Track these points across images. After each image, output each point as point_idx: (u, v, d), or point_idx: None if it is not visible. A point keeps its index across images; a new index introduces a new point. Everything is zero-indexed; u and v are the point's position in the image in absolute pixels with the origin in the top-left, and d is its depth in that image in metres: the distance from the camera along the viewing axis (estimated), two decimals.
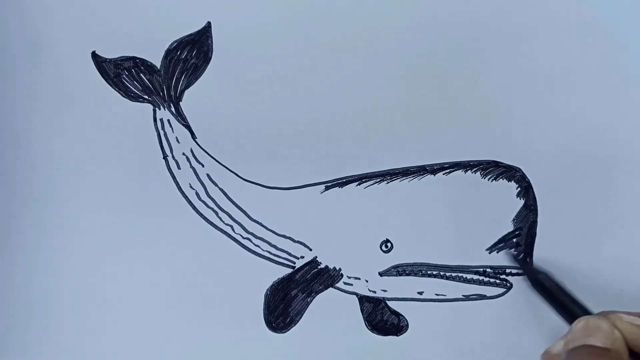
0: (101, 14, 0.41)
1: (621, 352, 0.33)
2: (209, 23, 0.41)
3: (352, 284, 0.42)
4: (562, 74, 0.41)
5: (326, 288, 0.42)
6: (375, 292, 0.42)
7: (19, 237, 0.42)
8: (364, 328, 0.42)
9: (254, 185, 0.42)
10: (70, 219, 0.42)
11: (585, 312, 0.37)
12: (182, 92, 0.42)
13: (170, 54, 0.41)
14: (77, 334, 0.43)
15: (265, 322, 0.42)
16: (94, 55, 0.41)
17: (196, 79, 0.41)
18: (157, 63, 0.41)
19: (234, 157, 0.42)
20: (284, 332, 0.42)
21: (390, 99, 0.41)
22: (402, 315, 0.42)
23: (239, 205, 0.42)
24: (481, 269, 0.42)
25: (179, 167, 0.42)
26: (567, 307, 0.38)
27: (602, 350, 0.33)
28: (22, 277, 0.43)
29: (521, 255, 0.41)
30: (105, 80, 0.42)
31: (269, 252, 0.42)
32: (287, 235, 0.42)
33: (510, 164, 0.41)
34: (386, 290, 0.42)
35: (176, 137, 0.42)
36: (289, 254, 0.42)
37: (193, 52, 0.41)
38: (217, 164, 0.42)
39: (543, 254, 0.41)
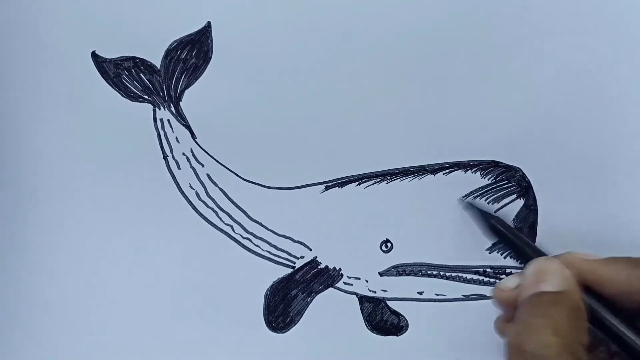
0: (101, 14, 0.41)
1: (573, 292, 0.33)
2: (209, 23, 0.41)
3: (352, 284, 0.42)
4: (562, 74, 0.41)
5: (326, 288, 0.43)
6: (375, 292, 0.42)
7: (19, 237, 0.42)
8: (364, 328, 0.42)
9: (254, 185, 0.42)
10: (70, 218, 0.42)
11: (539, 254, 0.37)
12: (182, 92, 0.42)
13: (170, 54, 0.41)
14: (77, 333, 0.43)
15: (265, 322, 0.42)
16: (94, 55, 0.41)
17: (196, 79, 0.41)
18: (157, 63, 0.41)
19: (234, 157, 0.42)
20: (284, 332, 0.42)
21: (390, 99, 0.41)
22: (402, 315, 0.42)
23: (239, 205, 0.42)
24: (481, 269, 0.42)
25: (179, 167, 0.42)
26: (522, 250, 0.37)
27: (554, 295, 0.33)
28: (22, 277, 0.43)
29: (469, 201, 0.41)
30: (105, 80, 0.42)
31: (269, 252, 0.42)
32: (287, 235, 0.42)
33: (510, 164, 0.41)
34: (386, 290, 0.42)
35: (176, 137, 0.42)
36: (289, 254, 0.42)
37: (193, 52, 0.41)
38: (217, 164, 0.42)
39: None
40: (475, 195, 0.42)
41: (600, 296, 0.34)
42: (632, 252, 0.41)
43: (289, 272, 0.43)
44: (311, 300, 0.42)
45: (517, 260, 0.38)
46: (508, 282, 0.35)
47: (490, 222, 0.39)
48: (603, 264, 0.34)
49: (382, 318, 0.42)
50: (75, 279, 0.43)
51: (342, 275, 0.42)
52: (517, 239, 0.38)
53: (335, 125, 0.41)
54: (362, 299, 0.42)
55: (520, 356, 0.31)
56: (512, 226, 0.42)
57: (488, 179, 0.42)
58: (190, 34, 0.41)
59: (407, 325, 0.42)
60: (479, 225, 0.40)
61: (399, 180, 0.42)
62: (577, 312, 0.33)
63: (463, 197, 0.41)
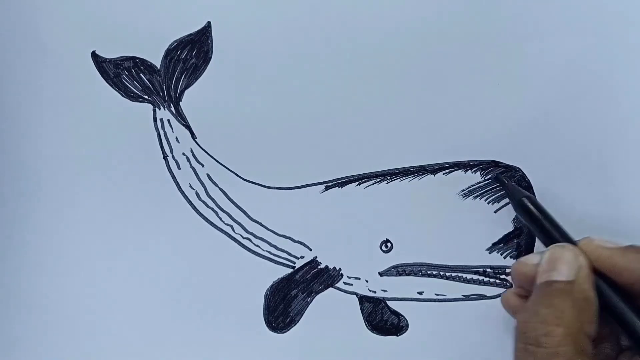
0: (101, 14, 0.41)
1: (584, 281, 0.33)
2: (209, 23, 0.41)
3: (352, 284, 0.42)
4: (562, 74, 0.41)
5: (326, 288, 0.42)
6: (375, 292, 0.42)
7: (19, 237, 0.42)
8: (364, 328, 0.42)
9: (254, 185, 0.42)
10: (70, 218, 0.42)
11: (564, 237, 0.37)
12: (182, 92, 0.42)
13: (170, 54, 0.41)
14: (76, 333, 0.43)
15: (265, 322, 0.42)
16: (94, 55, 0.41)
17: (196, 79, 0.41)
18: (157, 63, 0.41)
19: (234, 157, 0.42)
20: (284, 332, 0.42)
21: (390, 99, 0.41)
22: (402, 315, 0.42)
23: (239, 205, 0.42)
24: (481, 269, 0.42)
25: (179, 167, 0.42)
26: (549, 232, 0.37)
27: (565, 284, 0.33)
28: (22, 276, 0.43)
29: (502, 177, 0.41)
30: (105, 80, 0.42)
31: (269, 252, 0.42)
32: (287, 235, 0.42)
33: (510, 164, 0.41)
34: (386, 290, 0.42)
35: (176, 137, 0.42)
36: (289, 254, 0.42)
37: (193, 52, 0.41)
38: (217, 164, 0.42)
39: None
40: (475, 195, 0.42)
41: (616, 284, 0.34)
42: None
43: (289, 272, 0.43)
44: (311, 300, 0.42)
45: (542, 242, 0.38)
46: (531, 258, 0.36)
47: (521, 200, 0.39)
48: (620, 252, 0.34)
49: (382, 318, 0.42)
50: (75, 279, 0.43)
51: (342, 275, 0.42)
52: (545, 220, 0.38)
53: (335, 125, 0.41)
54: (362, 299, 0.42)
55: (525, 342, 0.32)
56: (513, 225, 0.42)
57: (488, 179, 0.42)
58: (190, 34, 0.41)
59: (407, 325, 0.42)
60: (510, 200, 0.40)
61: (399, 180, 0.42)
62: (584, 302, 0.33)
63: (497, 174, 0.41)
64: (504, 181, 0.41)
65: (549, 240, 0.37)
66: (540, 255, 0.35)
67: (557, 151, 0.41)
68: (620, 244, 0.35)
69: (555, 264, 0.34)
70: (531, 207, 0.38)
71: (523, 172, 0.41)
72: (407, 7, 0.41)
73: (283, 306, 0.42)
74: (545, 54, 0.41)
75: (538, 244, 0.41)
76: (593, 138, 0.41)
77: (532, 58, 0.41)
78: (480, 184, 0.41)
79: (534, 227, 0.38)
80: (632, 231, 0.41)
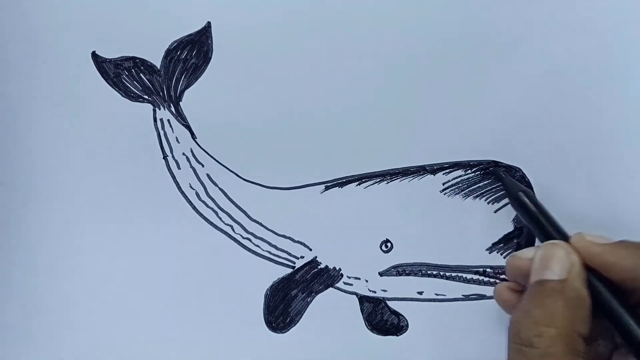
0: (101, 14, 0.41)
1: (575, 280, 0.33)
2: (209, 23, 0.41)
3: (352, 284, 0.42)
4: (562, 74, 0.41)
5: (326, 288, 0.43)
6: (375, 292, 0.42)
7: (19, 237, 0.42)
8: (364, 328, 0.42)
9: (254, 185, 0.42)
10: (70, 218, 0.42)
11: (560, 233, 0.37)
12: (182, 92, 0.42)
13: (170, 54, 0.41)
14: (76, 333, 0.43)
15: (265, 322, 0.42)
16: (94, 55, 0.41)
17: (196, 79, 0.41)
18: (157, 63, 0.41)
19: (234, 157, 0.42)
20: (284, 332, 0.42)
21: (390, 99, 0.41)
22: (402, 315, 0.42)
23: (239, 205, 0.42)
24: (481, 269, 0.42)
25: (179, 167, 0.42)
26: (544, 227, 0.37)
27: (555, 284, 0.33)
28: (22, 276, 0.43)
29: (500, 171, 0.41)
30: (105, 80, 0.42)
31: (269, 252, 0.42)
32: (287, 235, 0.42)
33: (510, 164, 0.41)
34: (386, 290, 0.42)
35: (176, 137, 0.42)
36: (289, 254, 0.42)
37: (193, 52, 0.41)
38: (217, 164, 0.42)
39: None
40: (475, 195, 0.42)
41: (608, 281, 0.34)
42: None
43: (289, 272, 0.43)
44: (311, 300, 0.42)
45: (537, 237, 0.38)
46: (526, 252, 0.36)
47: (517, 195, 0.39)
48: (611, 249, 0.34)
49: (382, 318, 0.42)
50: (75, 279, 0.43)
51: (342, 275, 0.42)
52: (541, 215, 0.38)
53: (335, 125, 0.41)
54: (362, 299, 0.42)
55: (518, 342, 0.32)
56: (513, 225, 0.42)
57: (488, 179, 0.42)
58: (190, 34, 0.41)
59: (407, 325, 0.42)
60: (507, 194, 0.40)
61: (399, 180, 0.42)
62: (576, 301, 0.33)
63: (495, 168, 0.41)
64: (502, 175, 0.41)
65: (543, 236, 0.37)
66: (535, 250, 0.35)
67: (557, 151, 0.41)
68: (611, 240, 0.35)
69: (547, 262, 0.34)
70: (527, 201, 0.38)
71: (523, 172, 0.41)
72: (407, 7, 0.41)
73: (283, 306, 0.42)
74: (545, 54, 0.41)
75: (538, 244, 0.41)
76: (593, 138, 0.41)
77: (533, 58, 0.41)
78: (480, 184, 0.41)
79: (530, 222, 0.38)
80: (632, 230, 0.41)
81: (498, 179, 0.41)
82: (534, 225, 0.38)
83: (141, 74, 0.42)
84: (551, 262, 0.34)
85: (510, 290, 0.37)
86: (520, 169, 0.41)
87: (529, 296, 0.34)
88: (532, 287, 0.34)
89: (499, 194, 0.42)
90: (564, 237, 0.36)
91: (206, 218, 0.42)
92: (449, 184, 0.41)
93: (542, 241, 0.37)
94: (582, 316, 0.33)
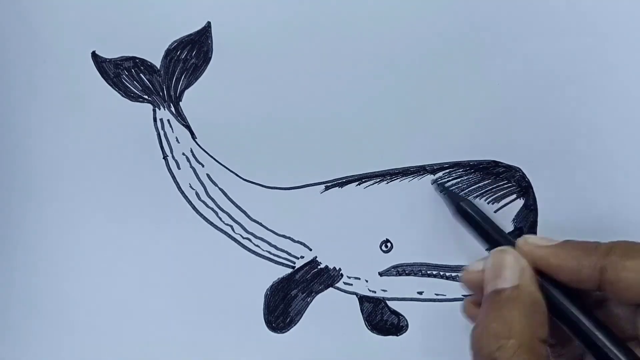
0: (101, 14, 0.41)
1: (528, 284, 0.33)
2: (209, 23, 0.41)
3: (352, 284, 0.42)
4: (562, 74, 0.41)
5: (326, 288, 0.43)
6: (375, 292, 0.42)
7: (19, 237, 0.42)
8: (364, 328, 0.42)
9: (254, 185, 0.42)
10: (70, 218, 0.42)
11: (506, 239, 0.36)
12: (182, 92, 0.42)
13: (170, 54, 0.41)
14: (76, 333, 0.43)
15: (265, 322, 0.42)
16: (94, 55, 0.41)
17: (196, 79, 0.41)
18: (157, 63, 0.41)
19: (234, 157, 0.42)
20: (284, 332, 0.42)
21: (390, 99, 0.41)
22: (402, 315, 0.42)
23: (239, 205, 0.42)
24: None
25: (179, 167, 0.42)
26: (489, 235, 0.37)
27: (511, 290, 0.33)
28: (22, 276, 0.43)
29: (441, 182, 0.41)
30: (105, 80, 0.42)
31: (269, 252, 0.42)
32: (287, 235, 0.42)
33: (510, 164, 0.41)
34: (386, 290, 0.42)
35: (176, 137, 0.42)
36: (289, 254, 0.42)
37: (193, 52, 0.41)
38: (217, 164, 0.42)
39: None
40: (475, 195, 0.42)
41: (557, 284, 0.34)
42: None
43: (289, 272, 0.43)
44: (311, 300, 0.42)
45: (484, 246, 0.37)
46: (475, 265, 0.35)
47: (459, 205, 0.39)
48: (554, 251, 0.34)
49: (382, 318, 0.42)
50: (75, 279, 0.43)
51: (342, 275, 0.42)
52: (485, 223, 0.37)
53: (335, 125, 0.41)
54: (362, 299, 0.42)
55: (480, 358, 0.32)
56: (513, 225, 0.42)
57: (488, 179, 0.42)
58: (190, 34, 0.41)
59: (407, 325, 0.42)
60: (448, 206, 0.40)
61: (399, 180, 0.42)
62: (532, 306, 0.32)
63: (435, 179, 0.41)
64: (442, 187, 0.41)
65: (490, 244, 0.37)
66: (484, 261, 0.35)
67: (557, 151, 0.41)
68: (556, 241, 0.34)
69: (498, 270, 0.34)
70: (469, 210, 0.38)
71: (523, 172, 0.41)
72: (407, 8, 0.41)
73: (283, 306, 0.42)
74: (545, 54, 0.41)
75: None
76: (593, 138, 0.41)
77: (533, 58, 0.41)
78: (480, 184, 0.41)
79: (474, 230, 0.38)
80: (632, 230, 0.41)
81: (440, 189, 0.41)
82: (478, 233, 0.38)
83: (141, 74, 0.42)
84: (501, 269, 0.33)
85: (475, 304, 0.36)
86: (520, 169, 0.41)
87: (486, 309, 0.33)
88: (488, 298, 0.33)
89: (499, 194, 0.42)
90: (510, 243, 0.36)
91: (206, 218, 0.42)
92: (449, 184, 0.41)
93: (488, 249, 0.37)
94: (540, 321, 0.32)
